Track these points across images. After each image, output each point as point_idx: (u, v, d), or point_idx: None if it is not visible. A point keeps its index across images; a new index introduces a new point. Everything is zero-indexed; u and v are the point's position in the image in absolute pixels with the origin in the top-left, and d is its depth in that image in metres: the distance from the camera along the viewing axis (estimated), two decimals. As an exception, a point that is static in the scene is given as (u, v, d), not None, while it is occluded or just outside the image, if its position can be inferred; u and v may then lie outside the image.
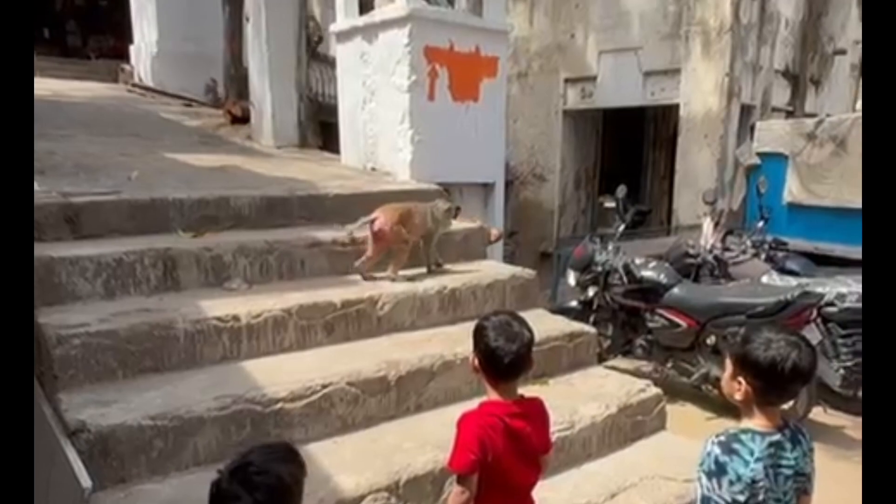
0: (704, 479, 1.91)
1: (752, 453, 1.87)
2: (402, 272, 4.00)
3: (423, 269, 4.19)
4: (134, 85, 10.99)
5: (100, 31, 16.69)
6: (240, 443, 2.72)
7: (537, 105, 11.10)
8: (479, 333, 2.08)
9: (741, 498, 1.85)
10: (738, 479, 1.85)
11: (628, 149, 11.93)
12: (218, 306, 3.22)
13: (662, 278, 5.27)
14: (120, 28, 13.66)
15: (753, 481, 1.85)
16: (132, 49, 11.64)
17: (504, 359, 2.01)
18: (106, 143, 5.79)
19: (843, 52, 11.33)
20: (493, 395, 2.09)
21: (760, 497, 1.87)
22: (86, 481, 2.21)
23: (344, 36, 5.73)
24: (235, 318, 3.15)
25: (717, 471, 1.88)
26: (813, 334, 4.58)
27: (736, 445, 1.88)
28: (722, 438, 1.92)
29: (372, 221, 3.86)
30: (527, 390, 2.28)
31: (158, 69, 10.36)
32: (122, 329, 2.89)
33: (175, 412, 2.62)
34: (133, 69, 11.47)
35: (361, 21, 5.46)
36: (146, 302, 3.22)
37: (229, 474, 1.56)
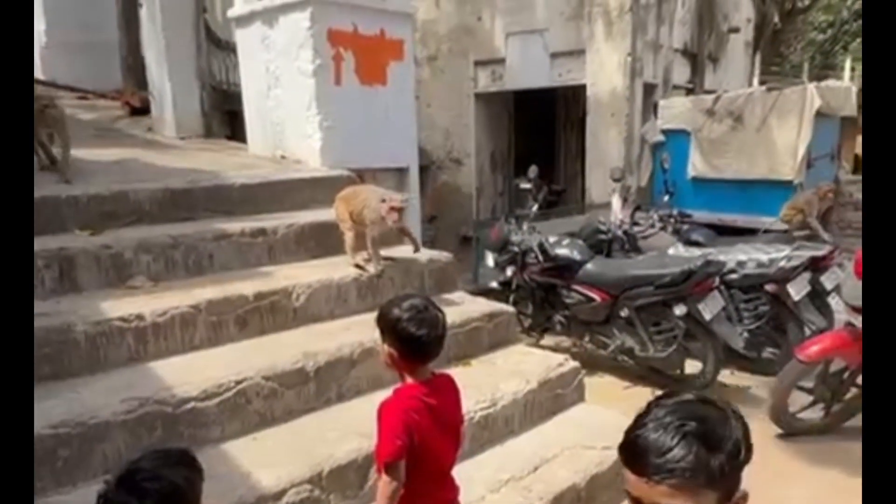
0: None
1: None
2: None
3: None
4: (21, 78, 10.29)
5: (-20, 21, 15.54)
6: (150, 446, 2.58)
7: (449, 88, 11.10)
8: (393, 325, 2.02)
9: None
10: None
11: (541, 130, 12.13)
12: (120, 306, 3.08)
13: (576, 255, 5.40)
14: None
15: None
16: (17, 39, 10.90)
17: (429, 345, 2.02)
18: (-10, 140, 5.39)
19: (737, 30, 11.87)
20: (408, 380, 2.08)
21: None
22: (-21, 500, 2.07)
23: (244, 21, 5.53)
24: (140, 317, 3.02)
25: None
26: (716, 301, 4.82)
27: None
28: None
29: None
30: (450, 371, 2.29)
31: (49, 60, 9.69)
32: (16, 336, 2.71)
33: (79, 419, 2.49)
34: (19, 61, 10.73)
35: (261, 5, 5.29)
36: (42, 306, 3.02)
37: (116, 483, 1.45)
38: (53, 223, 3.56)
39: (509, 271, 5.80)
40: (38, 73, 9.86)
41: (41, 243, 3.29)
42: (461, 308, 4.06)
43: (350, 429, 2.92)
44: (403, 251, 4.45)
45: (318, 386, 3.16)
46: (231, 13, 5.69)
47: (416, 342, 2.00)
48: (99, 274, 3.34)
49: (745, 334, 5.04)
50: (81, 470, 2.48)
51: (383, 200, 3.71)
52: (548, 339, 5.78)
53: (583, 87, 9.77)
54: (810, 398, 4.45)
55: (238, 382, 2.88)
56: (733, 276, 5.20)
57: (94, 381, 2.79)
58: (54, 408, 2.54)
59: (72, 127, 6.70)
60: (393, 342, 2.04)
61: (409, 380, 2.08)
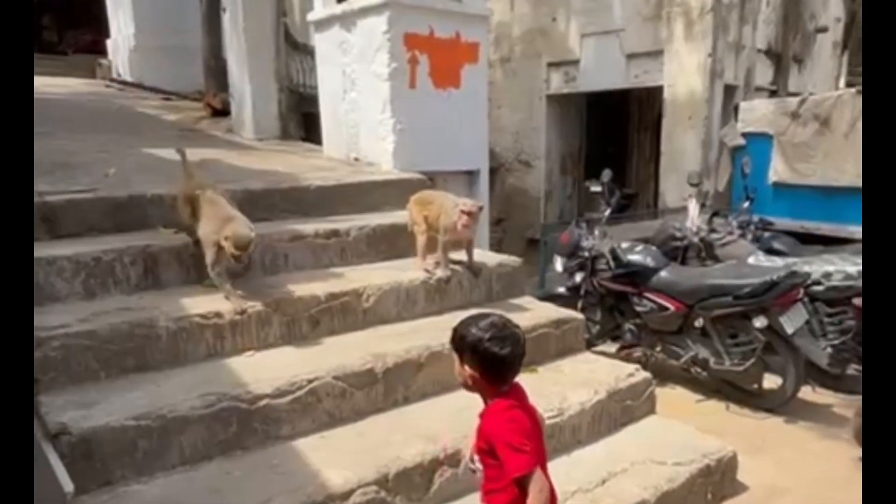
0: None
1: None
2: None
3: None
4: (112, 80, 10.82)
5: (76, 26, 16.44)
6: (225, 441, 2.70)
7: (521, 90, 11.04)
8: (475, 346, 1.94)
9: None
10: None
11: (613, 132, 11.91)
12: (200, 303, 3.19)
13: (649, 262, 5.25)
14: (97, 22, 13.42)
15: None
16: (109, 43, 11.47)
17: (513, 364, 1.97)
18: (83, 139, 5.69)
19: (824, 29, 11.34)
20: (493, 398, 2.00)
21: None
22: (67, 485, 2.17)
23: (322, 25, 5.65)
24: (218, 314, 3.12)
25: None
26: (800, 314, 4.59)
27: None
28: None
29: None
30: (516, 378, 2.26)
31: (137, 63, 10.21)
32: (103, 329, 2.85)
33: (159, 412, 2.59)
34: (111, 64, 11.29)
35: (339, 9, 5.39)
36: (127, 301, 3.19)
37: None
38: (140, 221, 3.74)
39: (578, 277, 5.69)
40: (127, 75, 10.41)
41: (128, 240, 3.46)
42: (529, 313, 4.02)
43: (416, 431, 2.93)
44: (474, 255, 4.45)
45: (386, 388, 3.19)
46: (310, 17, 5.82)
47: (500, 362, 1.94)
48: (180, 271, 3.47)
49: (830, 350, 4.79)
50: (159, 461, 2.58)
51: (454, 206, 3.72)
52: (616, 348, 5.66)
53: (659, 89, 9.54)
54: (899, 420, 4.20)
55: (310, 381, 2.94)
56: (818, 287, 4.94)
57: (174, 375, 2.90)
58: (136, 400, 2.66)
59: (157, 127, 7.03)
60: (474, 363, 1.96)
61: (493, 396, 2.00)
